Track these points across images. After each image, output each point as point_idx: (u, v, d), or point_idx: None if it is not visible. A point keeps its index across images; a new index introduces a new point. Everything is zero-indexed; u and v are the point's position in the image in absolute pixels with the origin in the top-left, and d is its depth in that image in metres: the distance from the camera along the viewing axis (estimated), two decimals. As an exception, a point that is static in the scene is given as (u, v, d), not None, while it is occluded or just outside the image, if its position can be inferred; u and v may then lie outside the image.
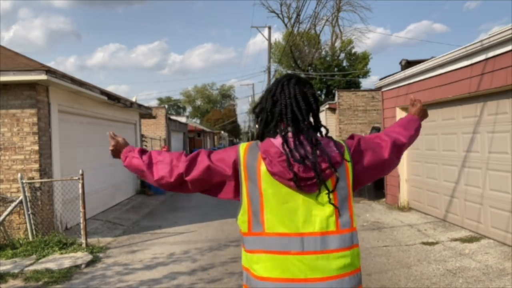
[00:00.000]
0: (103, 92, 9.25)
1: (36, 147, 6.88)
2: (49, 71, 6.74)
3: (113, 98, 9.99)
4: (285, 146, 1.63)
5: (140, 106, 13.22)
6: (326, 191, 1.63)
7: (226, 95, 75.04)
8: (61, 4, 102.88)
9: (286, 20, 35.66)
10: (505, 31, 5.58)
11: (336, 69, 33.33)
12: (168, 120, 21.87)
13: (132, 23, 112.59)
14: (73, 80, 7.69)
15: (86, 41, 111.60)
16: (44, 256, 6.11)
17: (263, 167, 1.65)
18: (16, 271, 5.45)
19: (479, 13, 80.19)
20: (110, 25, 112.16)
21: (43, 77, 6.57)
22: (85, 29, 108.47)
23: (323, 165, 1.62)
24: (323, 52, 35.51)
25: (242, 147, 1.74)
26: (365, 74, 34.11)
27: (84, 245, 6.59)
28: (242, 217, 1.69)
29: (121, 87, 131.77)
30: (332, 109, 16.25)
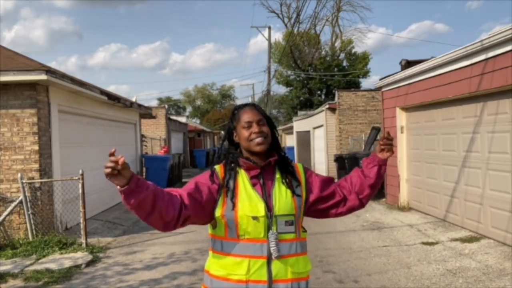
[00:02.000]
0: (103, 92, 9.25)
1: (36, 147, 6.88)
2: (49, 71, 6.74)
3: (113, 98, 9.98)
4: None
5: (140, 106, 13.21)
6: None
7: (226, 95, 74.92)
8: (62, 4, 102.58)
9: (286, 20, 35.73)
10: (505, 31, 5.58)
11: (336, 69, 33.34)
12: (168, 120, 21.87)
13: (133, 23, 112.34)
14: (73, 80, 7.69)
15: (87, 41, 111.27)
16: (44, 256, 6.11)
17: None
18: (16, 271, 5.45)
19: (481, 13, 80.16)
20: (112, 25, 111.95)
21: (43, 77, 6.57)
22: (87, 29, 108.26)
23: None
24: (323, 52, 35.52)
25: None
26: (365, 74, 34.14)
27: (84, 245, 6.59)
28: None
29: (121, 87, 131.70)
30: (332, 109, 16.25)
